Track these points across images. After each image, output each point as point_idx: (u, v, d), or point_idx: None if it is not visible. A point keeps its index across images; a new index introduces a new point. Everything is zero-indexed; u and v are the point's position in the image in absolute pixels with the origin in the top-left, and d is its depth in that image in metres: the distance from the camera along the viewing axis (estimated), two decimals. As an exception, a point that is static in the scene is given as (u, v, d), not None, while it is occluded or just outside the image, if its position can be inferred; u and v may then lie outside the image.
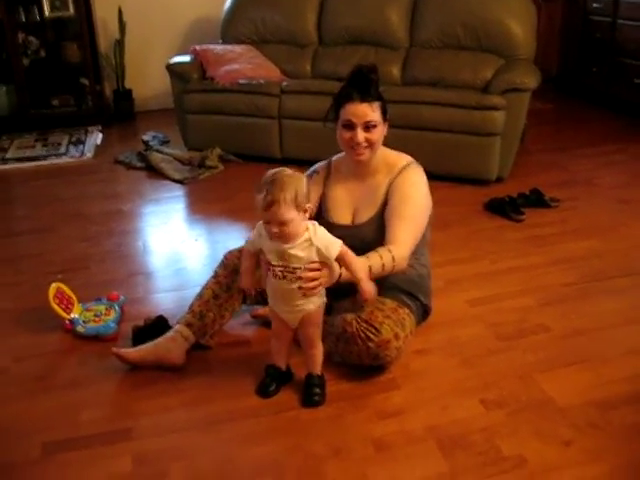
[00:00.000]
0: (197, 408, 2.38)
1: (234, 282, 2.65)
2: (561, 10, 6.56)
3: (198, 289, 2.71)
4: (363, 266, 2.27)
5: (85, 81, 5.94)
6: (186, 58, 5.11)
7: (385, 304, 2.49)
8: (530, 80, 4.22)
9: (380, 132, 2.49)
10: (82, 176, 4.86)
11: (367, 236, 2.53)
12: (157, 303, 3.09)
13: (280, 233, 2.11)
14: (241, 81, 4.81)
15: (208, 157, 4.82)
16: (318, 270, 2.19)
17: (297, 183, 2.10)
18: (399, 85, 4.76)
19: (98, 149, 5.41)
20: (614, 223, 3.78)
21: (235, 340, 2.77)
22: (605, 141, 5.19)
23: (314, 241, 2.14)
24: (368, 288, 2.22)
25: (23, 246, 3.76)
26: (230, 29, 5.37)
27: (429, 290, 2.74)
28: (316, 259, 2.16)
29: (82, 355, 2.71)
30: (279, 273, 2.19)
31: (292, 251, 2.14)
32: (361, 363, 2.46)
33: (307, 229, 2.16)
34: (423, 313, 2.73)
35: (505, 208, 3.90)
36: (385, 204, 2.54)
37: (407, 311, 2.55)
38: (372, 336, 2.37)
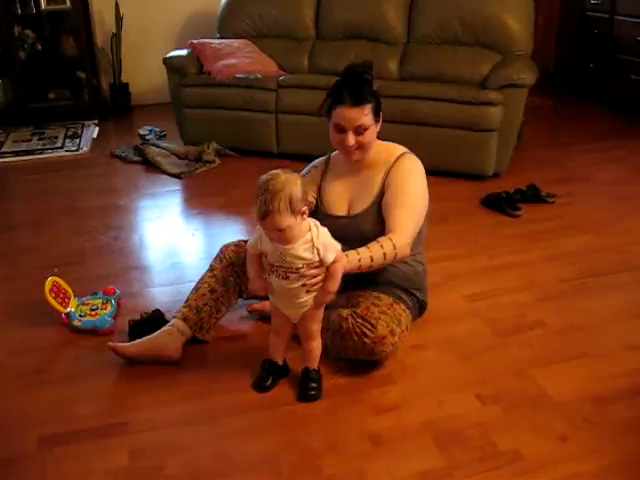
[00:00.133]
0: (193, 402, 2.38)
1: (230, 276, 2.65)
2: (559, 6, 6.57)
3: (194, 283, 2.71)
4: (352, 264, 2.27)
5: (82, 75, 5.93)
6: (183, 52, 5.10)
7: (381, 300, 2.49)
8: (528, 76, 4.22)
9: (372, 133, 2.48)
10: (78, 170, 4.86)
11: (363, 226, 2.52)
12: (153, 297, 3.09)
13: (278, 238, 2.11)
14: (238, 75, 4.81)
15: (205, 151, 4.81)
16: (319, 267, 2.18)
17: (291, 188, 2.05)
18: (396, 80, 4.76)
19: (94, 143, 5.41)
20: (611, 219, 3.79)
21: (232, 334, 2.77)
22: (602, 137, 5.20)
23: (316, 243, 2.13)
24: (327, 299, 2.24)
25: (19, 240, 3.76)
26: (227, 23, 5.36)
27: (425, 286, 2.74)
28: (317, 259, 2.15)
29: (78, 349, 2.71)
30: (282, 273, 2.18)
31: (293, 252, 2.12)
32: (357, 358, 2.46)
33: (310, 229, 2.15)
34: (419, 309, 2.73)
35: (502, 204, 3.90)
36: (381, 194, 2.54)
37: (403, 307, 2.55)
38: (368, 332, 2.37)
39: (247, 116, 4.83)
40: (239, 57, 4.96)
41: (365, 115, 2.41)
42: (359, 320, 2.39)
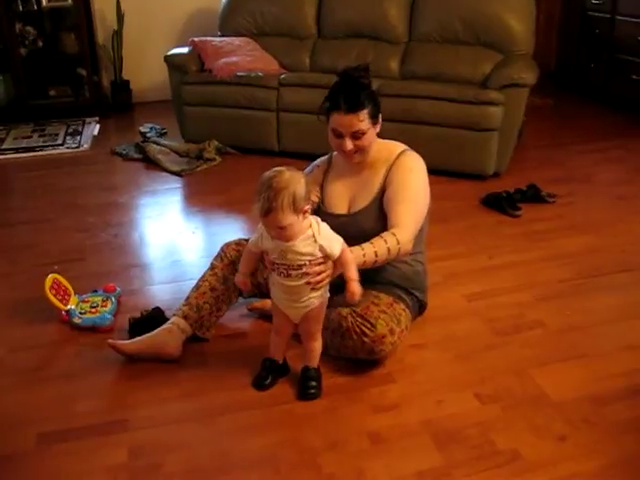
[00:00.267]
0: (193, 400, 2.38)
1: (231, 274, 2.65)
2: (560, 6, 6.56)
3: (195, 281, 2.71)
4: (357, 260, 2.27)
5: (83, 72, 5.93)
6: (184, 50, 5.10)
7: (381, 299, 2.50)
8: (528, 75, 4.22)
9: (370, 137, 2.47)
10: (79, 167, 4.86)
11: (364, 224, 2.52)
12: (154, 295, 3.09)
13: (279, 235, 2.11)
14: (239, 73, 4.80)
15: (206, 149, 4.82)
16: (323, 264, 2.18)
17: (295, 186, 2.06)
18: (397, 79, 4.76)
19: (95, 140, 5.40)
20: (611, 219, 3.79)
21: (232, 332, 2.77)
22: (603, 137, 5.20)
23: (318, 239, 2.14)
24: (357, 290, 2.20)
25: (19, 237, 3.76)
26: (229, 21, 5.36)
27: (425, 286, 2.74)
28: (319, 255, 2.16)
29: (78, 346, 2.71)
30: (284, 271, 2.18)
31: (294, 248, 2.13)
32: (356, 357, 2.47)
33: (310, 225, 2.15)
34: (419, 308, 2.74)
35: (502, 203, 3.90)
36: (382, 191, 2.54)
37: (403, 306, 2.56)
38: (367, 331, 2.37)
39: (248, 114, 4.82)
40: (240, 55, 4.96)
41: (361, 121, 2.40)
42: (359, 319, 2.39)
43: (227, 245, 2.73)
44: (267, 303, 2.66)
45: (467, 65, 4.59)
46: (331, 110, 2.43)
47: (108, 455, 2.14)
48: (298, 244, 2.13)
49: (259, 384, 2.42)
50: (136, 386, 2.46)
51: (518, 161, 4.56)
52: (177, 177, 4.59)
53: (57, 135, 5.50)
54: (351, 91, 2.39)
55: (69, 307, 2.83)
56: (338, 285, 2.30)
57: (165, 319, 2.67)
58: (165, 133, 5.38)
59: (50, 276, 2.85)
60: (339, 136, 2.45)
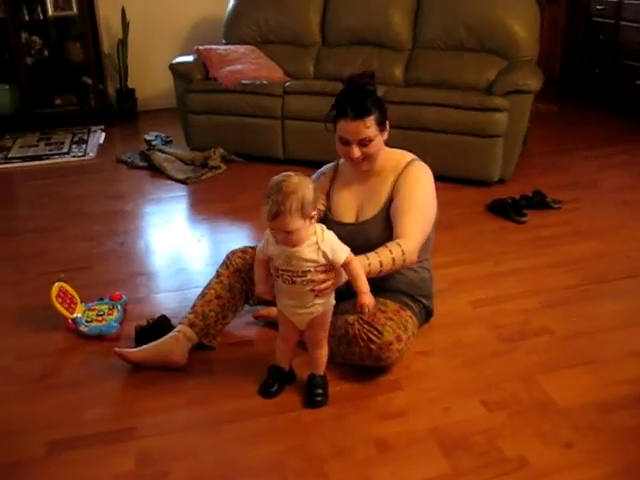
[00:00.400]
0: (200, 408, 2.39)
1: (237, 282, 2.66)
2: (564, 12, 6.57)
3: (201, 289, 2.72)
4: (364, 268, 2.27)
5: (88, 80, 5.95)
6: (189, 58, 5.12)
7: (387, 306, 2.50)
8: (533, 82, 4.22)
9: (377, 144, 2.48)
10: (85, 175, 4.88)
11: (371, 233, 2.53)
12: (160, 303, 3.09)
13: (285, 240, 2.12)
14: (244, 81, 4.82)
15: (211, 157, 4.83)
16: (328, 271, 2.18)
17: (303, 191, 2.07)
18: (402, 86, 4.77)
19: (101, 148, 5.43)
20: (617, 225, 3.78)
21: (238, 340, 2.78)
22: (608, 143, 5.20)
23: (321, 245, 2.14)
24: (368, 301, 2.20)
25: (25, 245, 3.77)
26: (233, 29, 5.38)
27: (431, 293, 2.74)
28: (323, 262, 2.16)
29: (85, 354, 2.71)
30: (288, 278, 2.18)
31: (299, 254, 2.13)
32: (363, 364, 2.47)
33: (315, 232, 2.16)
34: (426, 315, 2.73)
35: (507, 210, 3.90)
36: (390, 201, 2.54)
37: (409, 313, 2.56)
38: (374, 338, 2.38)
39: (253, 122, 4.84)
40: (245, 63, 4.97)
41: (368, 128, 2.41)
42: (365, 326, 2.39)
43: (233, 253, 2.73)
44: (273, 310, 2.67)
45: (472, 72, 4.60)
46: (338, 117, 2.44)
47: (116, 463, 2.14)
48: (303, 250, 2.13)
49: (265, 392, 2.42)
50: (143, 394, 2.46)
51: (523, 167, 4.56)
52: (182, 185, 4.61)
53: (63, 144, 5.52)
54: (357, 98, 2.40)
55: (75, 315, 2.84)
56: (344, 292, 2.31)
57: (171, 327, 2.67)
58: (170, 141, 5.40)
59: (56, 284, 2.86)
60: (346, 144, 2.46)
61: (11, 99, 5.83)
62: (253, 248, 2.59)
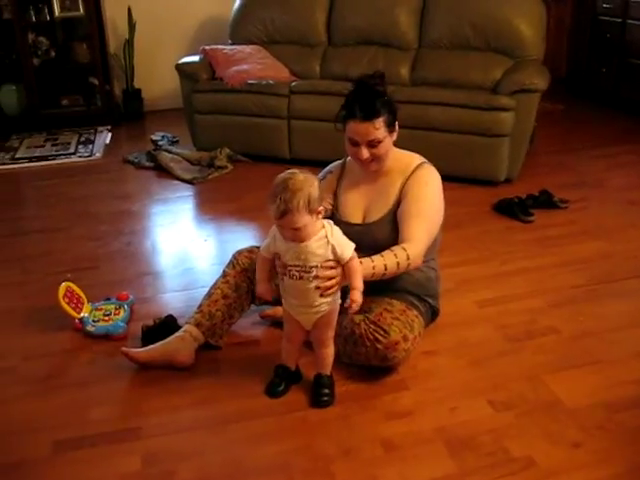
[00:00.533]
0: (206, 408, 2.39)
1: (243, 282, 2.66)
2: (570, 10, 6.56)
3: (207, 289, 2.72)
4: (366, 271, 2.27)
5: (94, 81, 5.96)
6: (195, 58, 5.12)
7: (394, 306, 2.50)
8: (539, 81, 4.21)
9: (386, 145, 2.47)
10: (91, 175, 4.88)
11: (378, 235, 2.52)
12: (166, 303, 3.10)
13: (294, 236, 2.13)
14: (250, 81, 4.82)
15: (217, 157, 4.83)
16: (334, 268, 2.18)
17: (309, 188, 2.08)
18: (408, 86, 4.76)
19: (107, 149, 5.43)
20: (623, 224, 3.77)
21: (244, 340, 2.78)
22: (615, 142, 5.18)
23: (330, 239, 2.15)
24: (358, 299, 2.18)
25: (32, 245, 3.78)
26: (239, 29, 5.38)
27: (438, 293, 2.74)
28: (331, 257, 2.16)
29: (91, 354, 2.72)
30: (296, 274, 2.18)
31: (308, 249, 2.14)
32: (369, 364, 2.46)
33: (323, 227, 2.16)
34: (432, 315, 2.73)
35: (514, 209, 3.89)
36: (397, 204, 2.54)
37: (416, 313, 2.55)
38: (380, 338, 2.37)
39: (259, 122, 4.84)
40: (251, 63, 4.97)
41: (377, 129, 2.40)
42: (372, 326, 2.39)
43: (239, 252, 2.74)
44: (279, 310, 2.66)
45: (478, 71, 4.59)
46: (347, 118, 2.44)
47: (122, 463, 2.15)
48: (312, 244, 2.15)
49: (272, 391, 2.43)
50: (149, 394, 2.47)
51: (530, 167, 4.55)
52: (189, 185, 4.61)
53: (69, 144, 5.53)
54: (366, 99, 2.39)
55: (82, 315, 2.84)
56: (347, 292, 2.30)
57: (177, 327, 2.68)
58: (177, 141, 5.41)
59: (63, 284, 2.87)
60: (355, 144, 2.46)
61: (18, 100, 5.85)
62: (259, 248, 2.59)
